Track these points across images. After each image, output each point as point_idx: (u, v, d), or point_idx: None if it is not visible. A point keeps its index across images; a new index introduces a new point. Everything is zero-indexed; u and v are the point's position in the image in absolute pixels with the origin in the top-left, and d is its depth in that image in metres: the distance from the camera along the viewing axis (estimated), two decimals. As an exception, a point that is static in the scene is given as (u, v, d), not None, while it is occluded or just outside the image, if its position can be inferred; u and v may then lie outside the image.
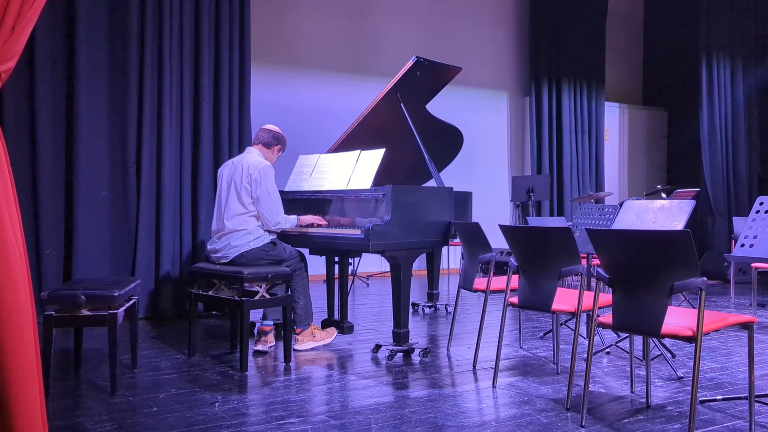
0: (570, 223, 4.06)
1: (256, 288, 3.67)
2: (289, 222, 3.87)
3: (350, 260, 5.12)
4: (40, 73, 4.54)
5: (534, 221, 4.97)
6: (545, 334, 4.43)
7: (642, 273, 2.45)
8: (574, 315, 2.98)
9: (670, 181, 9.69)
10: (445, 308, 5.47)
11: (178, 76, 5.04)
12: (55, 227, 4.64)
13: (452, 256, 7.98)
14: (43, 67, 4.56)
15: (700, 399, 2.96)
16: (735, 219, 6.04)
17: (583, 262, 3.24)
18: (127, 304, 3.28)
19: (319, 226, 4.01)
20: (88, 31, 4.70)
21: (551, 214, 8.49)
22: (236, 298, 3.58)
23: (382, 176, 4.11)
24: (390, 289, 3.79)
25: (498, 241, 4.55)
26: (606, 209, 3.85)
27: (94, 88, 4.74)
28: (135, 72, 4.85)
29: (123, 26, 4.82)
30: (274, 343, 3.96)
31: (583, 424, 2.63)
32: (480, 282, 3.77)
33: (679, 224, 3.05)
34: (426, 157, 4.29)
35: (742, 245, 2.72)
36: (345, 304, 4.48)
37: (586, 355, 2.96)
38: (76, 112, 4.66)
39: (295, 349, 3.86)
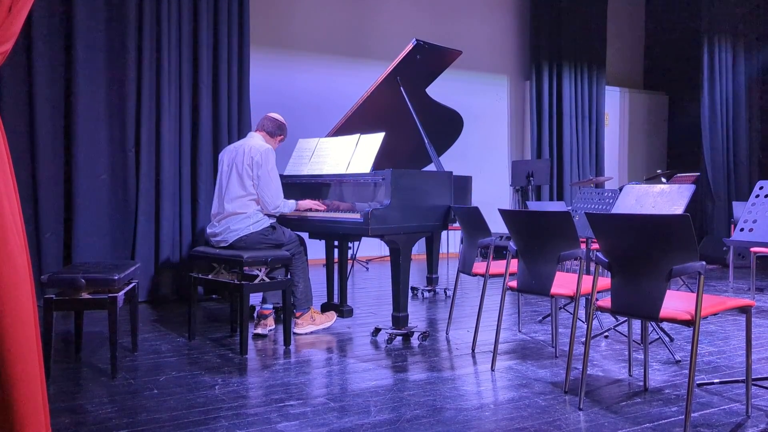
0: (570, 208, 4.06)
1: (255, 272, 3.68)
2: (288, 206, 3.87)
3: (350, 244, 5.13)
4: (38, 56, 4.51)
5: (534, 206, 4.97)
6: (544, 317, 4.44)
7: (641, 257, 2.45)
8: (572, 299, 2.99)
9: (670, 165, 9.67)
10: (445, 292, 5.49)
11: (177, 59, 5.01)
12: (54, 211, 4.64)
13: (452, 241, 7.99)
14: (40, 49, 4.53)
15: (698, 382, 2.97)
16: (734, 203, 6.04)
17: (583, 246, 3.25)
18: (127, 288, 3.29)
19: (317, 211, 4.02)
20: (85, 14, 4.67)
21: (551, 199, 8.49)
22: (236, 281, 3.59)
23: (381, 160, 4.10)
24: (389, 274, 3.80)
25: (497, 226, 4.55)
26: (606, 194, 3.84)
27: (92, 71, 4.72)
28: (133, 55, 4.82)
29: (121, 9, 4.79)
30: (273, 326, 3.97)
31: (581, 406, 2.64)
32: (479, 266, 3.78)
33: (678, 208, 3.04)
34: (426, 141, 4.28)
35: (742, 229, 2.72)
36: (344, 288, 4.49)
37: (584, 339, 2.97)
38: (74, 96, 4.64)
39: (294, 333, 3.87)
